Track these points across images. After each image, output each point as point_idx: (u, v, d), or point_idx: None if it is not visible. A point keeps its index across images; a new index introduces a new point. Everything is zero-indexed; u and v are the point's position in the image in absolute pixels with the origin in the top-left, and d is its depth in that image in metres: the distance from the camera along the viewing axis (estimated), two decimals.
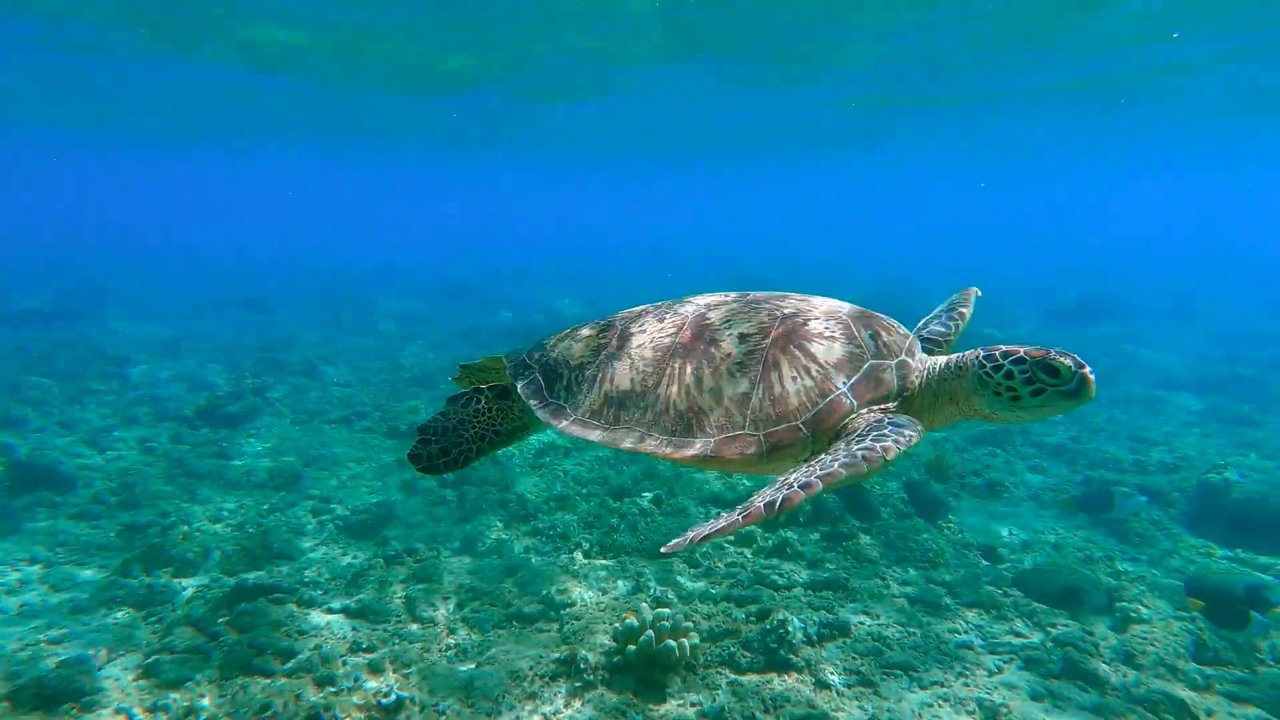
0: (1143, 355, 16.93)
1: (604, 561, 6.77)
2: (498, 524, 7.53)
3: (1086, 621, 5.84)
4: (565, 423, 2.54)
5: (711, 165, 42.42)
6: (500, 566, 6.60)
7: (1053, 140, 29.99)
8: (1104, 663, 5.26)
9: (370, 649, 5.35)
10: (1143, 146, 31.79)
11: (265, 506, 7.89)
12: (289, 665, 5.08)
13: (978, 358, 2.21)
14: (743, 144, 31.93)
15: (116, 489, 8.11)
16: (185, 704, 4.66)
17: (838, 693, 4.97)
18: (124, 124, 28.13)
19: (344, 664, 5.15)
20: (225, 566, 6.53)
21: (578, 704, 4.78)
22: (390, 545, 6.95)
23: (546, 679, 4.99)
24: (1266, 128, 26.00)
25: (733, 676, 5.07)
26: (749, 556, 6.84)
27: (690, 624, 5.33)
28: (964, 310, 2.82)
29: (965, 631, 5.72)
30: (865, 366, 2.27)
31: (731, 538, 7.11)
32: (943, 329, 2.72)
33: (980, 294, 2.96)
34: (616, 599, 6.07)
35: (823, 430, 2.21)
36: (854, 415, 2.21)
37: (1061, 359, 2.04)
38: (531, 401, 2.67)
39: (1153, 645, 5.45)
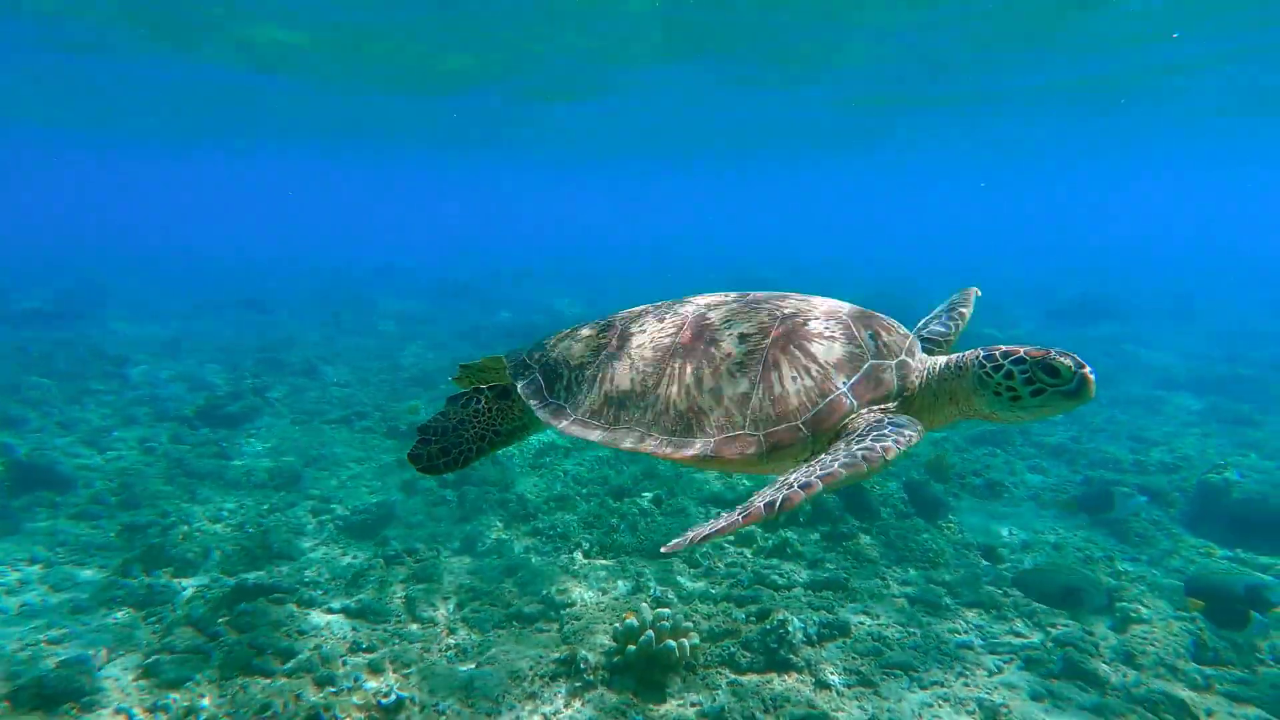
0: (1143, 355, 16.93)
1: (604, 561, 6.77)
2: (498, 524, 7.53)
3: (1086, 621, 5.84)
4: (565, 423, 2.54)
5: (711, 165, 42.43)
6: (500, 566, 6.60)
7: (1053, 140, 30.00)
8: (1104, 663, 5.26)
9: (370, 649, 5.35)
10: (1143, 146, 31.80)
11: (265, 506, 7.89)
12: (289, 665, 5.08)
13: (978, 358, 2.21)
14: (743, 144, 31.93)
15: (116, 489, 8.11)
16: (185, 704, 4.66)
17: (838, 693, 4.96)
18: (124, 124, 28.14)
19: (344, 664, 5.15)
20: (225, 566, 6.53)
21: (578, 704, 4.78)
22: (390, 545, 6.95)
23: (546, 679, 4.99)
24: (1266, 128, 26.01)
25: (733, 676, 5.07)
26: (749, 556, 6.84)
27: (690, 624, 5.33)
28: (964, 310, 2.82)
29: (965, 631, 5.72)
30: (865, 366, 2.27)
31: (731, 538, 7.11)
32: (943, 329, 2.71)
33: (980, 294, 2.96)
34: (616, 599, 6.07)
35: (823, 430, 2.21)
36: (854, 415, 2.21)
37: (1061, 359, 2.04)
38: (531, 401, 2.67)
39: (1153, 645, 5.44)
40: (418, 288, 28.19)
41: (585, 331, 2.77)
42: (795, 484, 1.94)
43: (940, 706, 4.84)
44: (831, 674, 5.13)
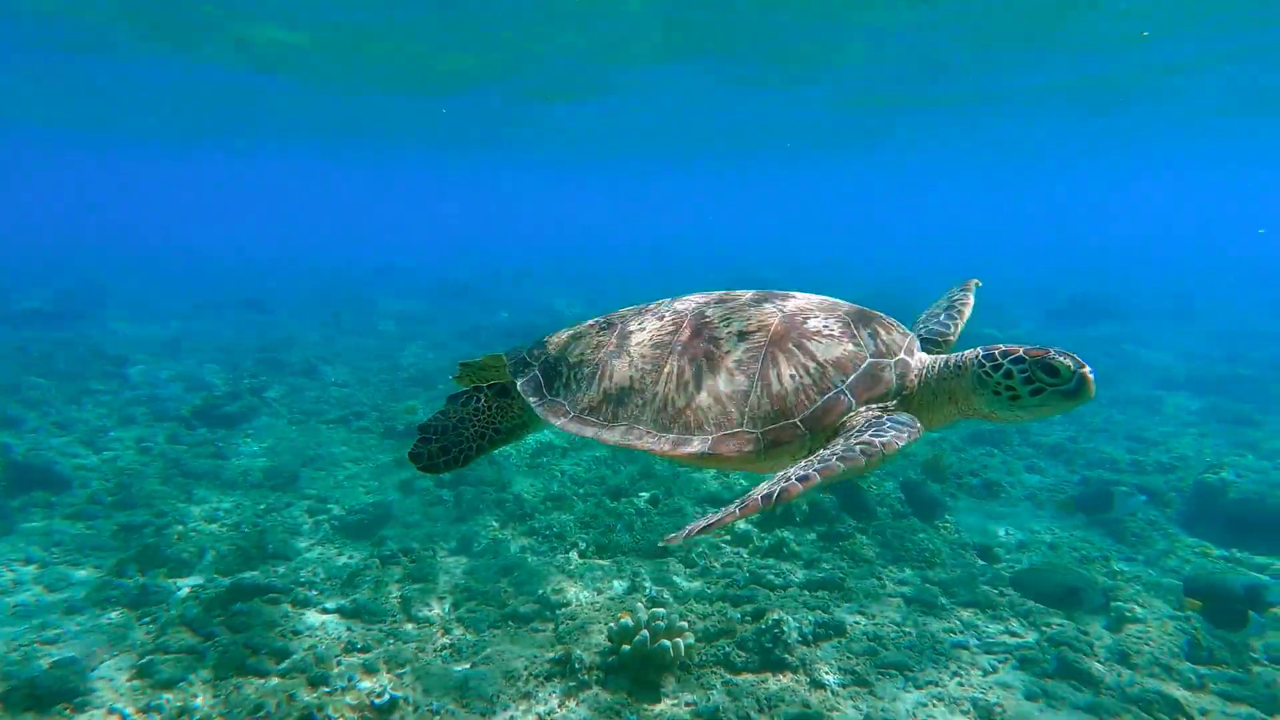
0: (1142, 355, 16.92)
1: (600, 561, 6.77)
2: (494, 524, 7.52)
3: (1082, 621, 5.83)
4: (563, 419, 2.54)
5: (711, 165, 42.44)
6: (496, 566, 6.59)
7: (1053, 140, 30.00)
8: (1098, 662, 5.26)
9: (365, 649, 5.35)
10: (1143, 146, 31.79)
11: (262, 506, 7.89)
12: (283, 665, 5.08)
13: (977, 357, 2.21)
14: (743, 144, 31.94)
15: (112, 489, 8.11)
16: (178, 704, 4.66)
17: (832, 692, 4.96)
18: (124, 124, 28.16)
19: (338, 664, 5.15)
20: (220, 566, 6.52)
21: (572, 704, 4.78)
22: (386, 545, 6.95)
23: (541, 679, 4.99)
24: (1266, 128, 25.99)
25: (727, 676, 5.06)
26: (745, 556, 6.83)
27: (685, 624, 5.32)
28: (964, 306, 2.79)
29: (961, 631, 5.71)
30: (864, 365, 2.27)
31: (728, 538, 7.11)
32: (942, 328, 2.70)
33: (980, 284, 2.95)
34: (612, 599, 6.07)
35: (821, 428, 2.21)
36: (852, 413, 2.21)
37: (1061, 358, 2.04)
38: (530, 398, 2.67)
39: (1148, 645, 5.44)
40: (418, 288, 28.19)
41: (585, 329, 2.77)
42: (793, 477, 1.95)
43: (935, 706, 4.84)
44: (826, 674, 5.13)
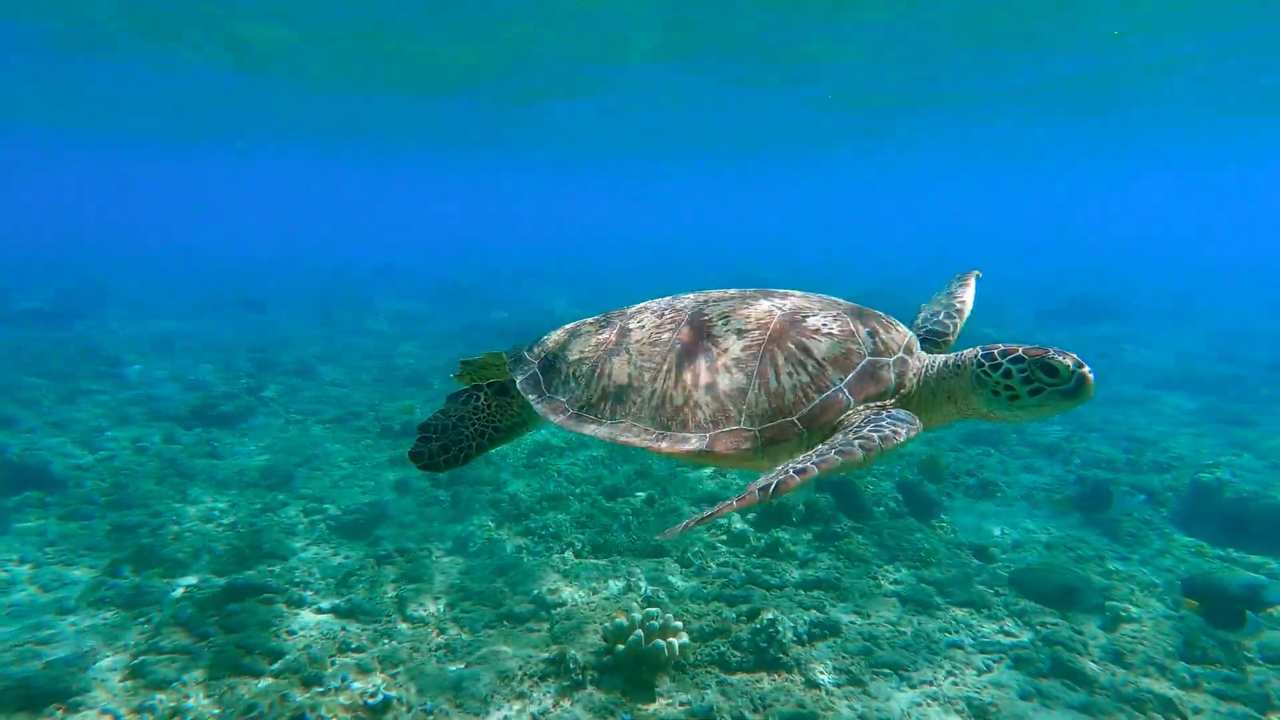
0: (1141, 355, 16.91)
1: (596, 561, 6.76)
2: (490, 524, 7.51)
3: (1077, 621, 5.83)
4: (561, 416, 2.54)
5: (711, 165, 42.48)
6: (491, 566, 6.59)
7: (1052, 140, 30.01)
8: (1093, 662, 5.25)
9: (359, 649, 5.34)
10: (1143, 146, 31.81)
11: (257, 506, 7.88)
12: (277, 666, 5.07)
13: (976, 356, 2.20)
14: (743, 144, 31.96)
15: (107, 489, 8.11)
16: (171, 705, 4.65)
17: (827, 692, 4.95)
18: (124, 124, 28.18)
19: (332, 664, 5.14)
20: (215, 566, 6.51)
21: (566, 703, 4.77)
22: (382, 545, 6.94)
23: (535, 679, 4.98)
24: (1266, 128, 26.01)
25: (722, 676, 5.05)
26: (741, 556, 6.82)
27: (680, 623, 5.31)
28: (964, 302, 2.78)
29: (955, 631, 5.70)
30: (863, 363, 2.26)
31: (724, 537, 7.10)
32: (942, 327, 2.69)
33: (981, 275, 2.93)
34: (608, 599, 6.06)
35: (818, 426, 2.21)
36: (850, 411, 2.20)
37: (1060, 358, 2.04)
38: (529, 395, 2.67)
39: (1142, 644, 5.43)
40: (417, 288, 28.19)
41: (584, 327, 2.77)
42: (791, 470, 1.94)
43: (929, 705, 4.83)
44: (821, 673, 5.12)
